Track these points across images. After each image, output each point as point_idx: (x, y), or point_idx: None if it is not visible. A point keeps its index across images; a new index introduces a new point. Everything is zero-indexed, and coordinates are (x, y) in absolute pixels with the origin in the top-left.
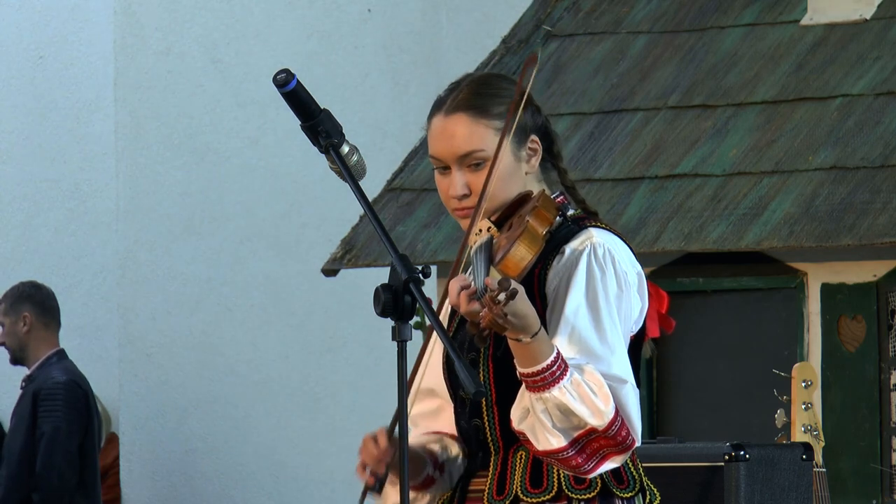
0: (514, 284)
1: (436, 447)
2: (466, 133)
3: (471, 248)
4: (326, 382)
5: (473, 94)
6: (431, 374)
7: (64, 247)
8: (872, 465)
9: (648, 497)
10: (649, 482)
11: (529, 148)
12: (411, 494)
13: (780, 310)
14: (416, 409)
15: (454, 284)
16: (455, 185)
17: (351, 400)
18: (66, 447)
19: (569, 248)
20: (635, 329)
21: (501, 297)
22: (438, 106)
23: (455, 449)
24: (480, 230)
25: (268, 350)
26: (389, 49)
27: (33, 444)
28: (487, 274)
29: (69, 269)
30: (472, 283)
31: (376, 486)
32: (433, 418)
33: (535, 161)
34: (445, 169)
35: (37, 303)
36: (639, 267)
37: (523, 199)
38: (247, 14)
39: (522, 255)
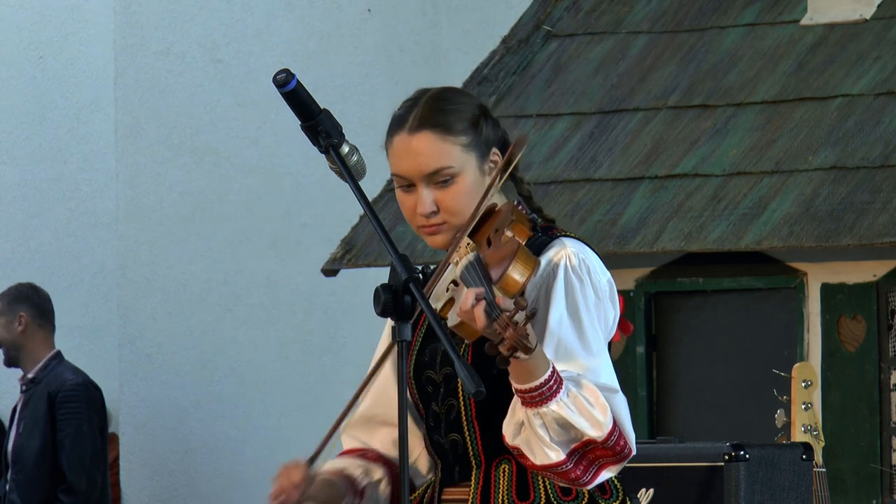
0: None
1: (357, 472)
2: (433, 151)
3: (454, 265)
4: (326, 382)
5: (435, 111)
6: (380, 402)
7: (64, 247)
8: (872, 465)
9: None
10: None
11: (491, 161)
12: None
13: (780, 310)
14: (352, 423)
15: (470, 296)
16: (423, 203)
17: None
18: (92, 448)
19: (544, 260)
20: (610, 336)
21: (520, 317)
22: (399, 124)
23: (378, 473)
24: (458, 246)
25: (268, 350)
26: (389, 49)
27: (53, 446)
28: (493, 293)
29: (69, 269)
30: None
31: None
32: (368, 433)
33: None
34: (409, 186)
35: (33, 304)
36: (609, 275)
37: (489, 212)
38: (247, 14)
39: (521, 272)
